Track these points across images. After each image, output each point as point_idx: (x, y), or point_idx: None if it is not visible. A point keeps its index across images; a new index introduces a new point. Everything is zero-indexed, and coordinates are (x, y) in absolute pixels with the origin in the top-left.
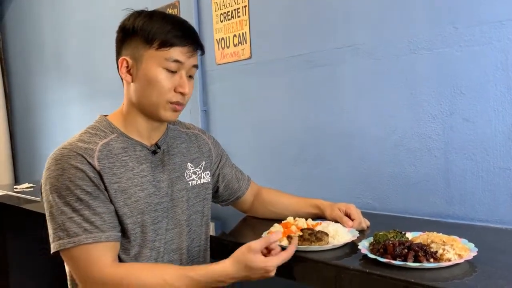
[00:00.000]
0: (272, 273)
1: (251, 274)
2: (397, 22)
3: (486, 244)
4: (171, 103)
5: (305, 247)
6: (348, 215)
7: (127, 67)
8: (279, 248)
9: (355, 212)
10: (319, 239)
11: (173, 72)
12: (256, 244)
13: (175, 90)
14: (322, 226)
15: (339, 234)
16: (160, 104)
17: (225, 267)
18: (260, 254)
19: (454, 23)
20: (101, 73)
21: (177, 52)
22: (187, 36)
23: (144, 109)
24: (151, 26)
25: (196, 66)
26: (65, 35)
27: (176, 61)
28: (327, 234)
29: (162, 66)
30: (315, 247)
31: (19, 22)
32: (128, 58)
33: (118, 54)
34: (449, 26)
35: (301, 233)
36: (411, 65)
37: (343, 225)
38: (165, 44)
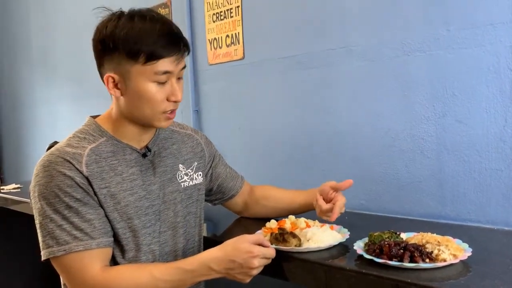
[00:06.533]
0: (256, 262)
1: (236, 256)
2: (390, 24)
3: (480, 245)
4: (165, 112)
5: (290, 248)
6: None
7: (114, 82)
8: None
9: (340, 194)
10: (285, 240)
11: (163, 82)
12: (250, 235)
13: (167, 99)
14: (307, 229)
15: (314, 239)
16: (154, 116)
17: (213, 251)
18: (250, 242)
19: (447, 26)
20: (90, 72)
21: (165, 63)
22: (173, 43)
23: (137, 120)
24: (133, 38)
25: (184, 67)
26: (53, 33)
27: (166, 72)
28: (295, 237)
29: (152, 80)
30: (301, 248)
31: (5, 19)
32: (113, 74)
33: (100, 66)
34: (442, 29)
35: (276, 232)
36: (405, 67)
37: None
38: (152, 57)
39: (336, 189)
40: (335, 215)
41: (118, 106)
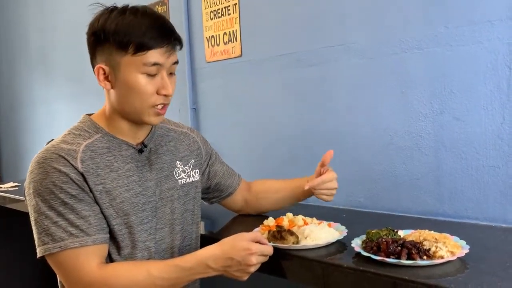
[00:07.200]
0: (254, 259)
1: (234, 254)
2: (389, 22)
3: (477, 242)
4: (155, 106)
5: (288, 245)
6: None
7: (104, 74)
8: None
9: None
10: (282, 238)
11: (153, 75)
12: (247, 233)
13: (157, 93)
14: (305, 227)
15: (311, 237)
16: (144, 109)
17: (211, 249)
18: (248, 240)
19: (445, 23)
20: (88, 72)
21: (155, 55)
22: (163, 35)
23: (127, 114)
24: (123, 30)
25: (176, 63)
26: (51, 33)
27: (155, 64)
28: (292, 234)
29: (141, 72)
30: (299, 245)
31: (4, 19)
32: (103, 66)
33: (92, 59)
34: (440, 26)
35: (273, 230)
36: (403, 64)
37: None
38: (141, 48)
39: (323, 165)
40: (318, 181)
41: (109, 101)
